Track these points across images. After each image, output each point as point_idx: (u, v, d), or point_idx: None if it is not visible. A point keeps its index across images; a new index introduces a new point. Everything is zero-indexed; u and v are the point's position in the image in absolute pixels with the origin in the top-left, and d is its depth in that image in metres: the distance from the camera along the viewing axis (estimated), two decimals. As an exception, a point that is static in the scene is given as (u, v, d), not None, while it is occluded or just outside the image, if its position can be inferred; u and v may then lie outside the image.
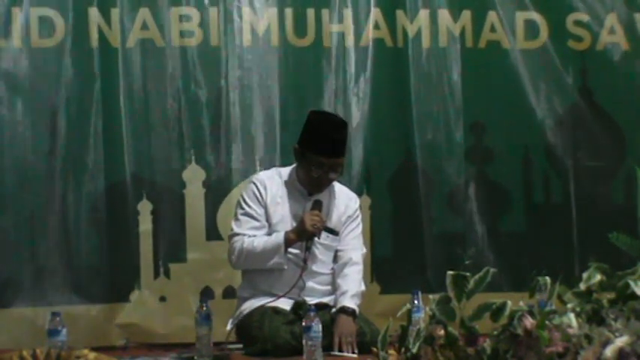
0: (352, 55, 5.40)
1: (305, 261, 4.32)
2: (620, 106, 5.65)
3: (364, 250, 4.59)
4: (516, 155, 5.58)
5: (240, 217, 4.42)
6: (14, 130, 5.09)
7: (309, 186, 4.39)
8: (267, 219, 4.40)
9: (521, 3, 5.59)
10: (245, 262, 4.40)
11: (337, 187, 4.56)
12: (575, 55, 5.62)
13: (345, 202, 4.52)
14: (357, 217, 4.55)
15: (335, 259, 4.48)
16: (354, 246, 4.50)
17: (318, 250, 4.42)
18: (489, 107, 5.56)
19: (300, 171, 4.41)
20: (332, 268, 4.47)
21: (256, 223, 4.39)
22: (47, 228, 5.09)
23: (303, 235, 4.28)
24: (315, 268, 4.42)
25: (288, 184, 4.45)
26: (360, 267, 4.49)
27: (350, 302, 4.31)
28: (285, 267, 4.34)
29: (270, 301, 4.35)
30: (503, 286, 5.01)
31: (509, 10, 5.57)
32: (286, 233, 4.31)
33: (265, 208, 4.41)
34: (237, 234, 4.39)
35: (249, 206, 4.41)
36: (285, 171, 4.50)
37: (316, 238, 4.35)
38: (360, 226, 4.56)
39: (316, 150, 4.31)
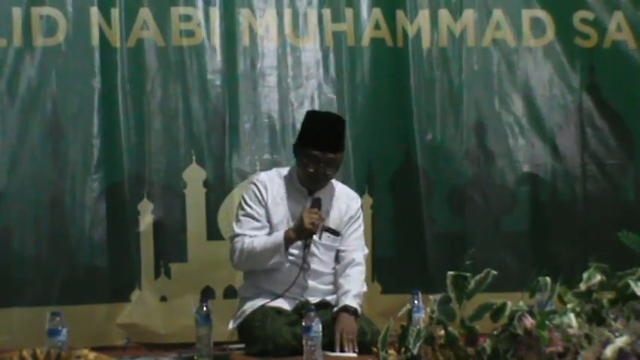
0: (352, 55, 5.39)
1: (304, 260, 4.32)
2: (629, 104, 5.63)
3: (366, 251, 4.58)
4: (519, 155, 5.56)
5: (241, 217, 4.41)
6: (15, 129, 5.09)
7: (307, 183, 4.38)
8: (268, 219, 4.39)
9: (527, 1, 5.58)
10: (246, 263, 4.40)
11: (339, 187, 4.56)
12: (583, 52, 5.61)
13: (347, 202, 4.51)
14: (359, 217, 4.54)
15: (337, 259, 4.48)
16: (357, 247, 4.50)
17: (318, 250, 4.42)
18: (490, 107, 5.54)
19: (299, 168, 4.40)
20: (333, 268, 4.47)
21: (257, 224, 4.38)
22: (48, 228, 5.10)
23: (301, 233, 4.27)
24: (316, 267, 4.42)
25: (288, 184, 4.44)
26: (363, 268, 4.49)
27: (352, 301, 4.31)
28: (287, 264, 4.33)
29: (271, 300, 4.35)
30: (504, 286, 4.99)
31: (514, 8, 5.56)
32: (286, 232, 4.30)
33: (266, 208, 4.40)
34: (238, 235, 4.39)
35: (250, 207, 4.40)
36: (285, 171, 4.50)
37: (316, 237, 4.35)
38: (362, 227, 4.56)
39: (311, 144, 4.32)
